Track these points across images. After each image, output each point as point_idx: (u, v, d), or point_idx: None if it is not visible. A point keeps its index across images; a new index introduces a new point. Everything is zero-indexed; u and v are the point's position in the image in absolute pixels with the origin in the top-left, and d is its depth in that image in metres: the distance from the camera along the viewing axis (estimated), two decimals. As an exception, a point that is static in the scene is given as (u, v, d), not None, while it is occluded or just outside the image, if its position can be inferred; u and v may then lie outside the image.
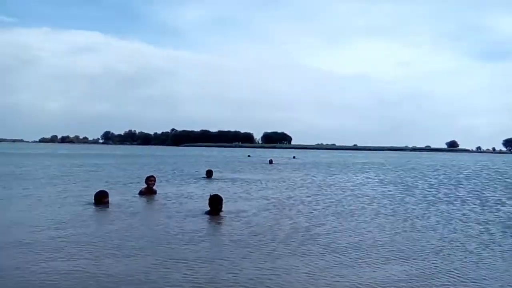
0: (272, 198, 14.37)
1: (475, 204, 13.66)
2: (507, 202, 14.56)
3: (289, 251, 7.17)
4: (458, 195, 16.31)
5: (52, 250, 6.91)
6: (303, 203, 13.18)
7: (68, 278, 5.60)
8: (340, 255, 6.95)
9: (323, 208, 12.23)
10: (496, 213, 11.89)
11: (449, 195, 16.26)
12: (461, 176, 28.45)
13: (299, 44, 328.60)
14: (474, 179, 25.73)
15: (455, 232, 9.06)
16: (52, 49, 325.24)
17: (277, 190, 16.86)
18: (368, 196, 15.34)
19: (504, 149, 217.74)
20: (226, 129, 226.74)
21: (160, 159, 49.07)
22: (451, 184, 21.64)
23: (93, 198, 11.83)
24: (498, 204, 13.99)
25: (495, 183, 22.98)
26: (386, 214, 11.39)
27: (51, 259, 6.42)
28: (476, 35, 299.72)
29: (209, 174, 22.41)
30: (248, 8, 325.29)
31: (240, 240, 7.95)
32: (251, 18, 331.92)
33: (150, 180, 14.33)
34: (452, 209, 12.54)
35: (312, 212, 11.46)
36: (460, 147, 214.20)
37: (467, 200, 14.82)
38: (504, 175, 30.37)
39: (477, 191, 18.15)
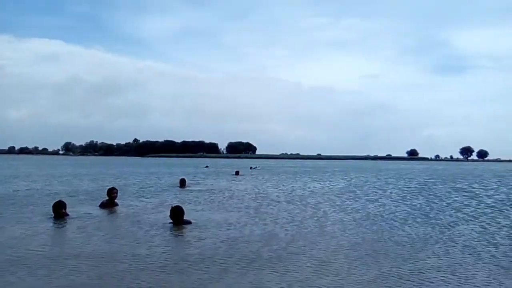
0: (236, 208, 14.43)
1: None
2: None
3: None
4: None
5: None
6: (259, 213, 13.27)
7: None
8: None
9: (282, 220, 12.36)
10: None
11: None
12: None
13: (267, 57, 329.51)
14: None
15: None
16: (15, 57, 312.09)
17: (242, 200, 16.92)
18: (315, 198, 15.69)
19: (461, 157, 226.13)
20: (190, 140, 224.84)
21: (126, 169, 48.08)
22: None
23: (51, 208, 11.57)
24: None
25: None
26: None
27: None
28: (436, 50, 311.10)
29: (182, 183, 23.05)
30: (215, 20, 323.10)
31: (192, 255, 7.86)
32: (218, 30, 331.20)
33: (112, 192, 14.06)
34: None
35: (268, 224, 11.54)
36: (420, 155, 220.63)
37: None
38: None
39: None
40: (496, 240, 9.48)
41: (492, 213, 14.08)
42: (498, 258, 7.78)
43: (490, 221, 12.29)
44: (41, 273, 6.38)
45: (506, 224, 11.76)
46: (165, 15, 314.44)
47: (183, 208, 10.86)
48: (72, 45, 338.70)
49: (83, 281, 6.05)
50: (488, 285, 6.13)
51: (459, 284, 6.14)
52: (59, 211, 11.38)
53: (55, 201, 11.92)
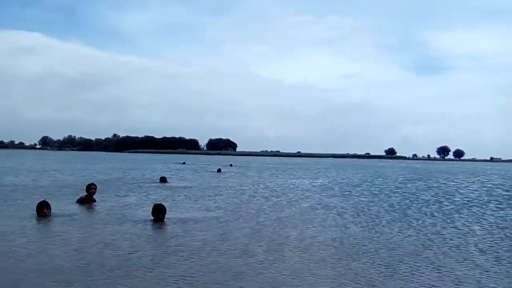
0: (219, 204, 14.64)
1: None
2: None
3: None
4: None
5: None
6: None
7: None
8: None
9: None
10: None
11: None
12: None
13: (249, 53, 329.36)
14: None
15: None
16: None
17: (223, 197, 17.05)
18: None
19: (437, 156, 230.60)
20: (170, 136, 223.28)
21: (107, 164, 47.61)
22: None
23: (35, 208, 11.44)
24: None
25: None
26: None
27: None
28: (415, 49, 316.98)
29: (163, 179, 24.07)
30: (197, 15, 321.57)
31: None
32: (200, 25, 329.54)
33: (90, 188, 14.01)
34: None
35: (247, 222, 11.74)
36: (398, 154, 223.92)
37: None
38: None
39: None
40: (466, 233, 9.87)
41: (462, 209, 14.62)
42: (469, 251, 8.12)
43: (461, 217, 12.79)
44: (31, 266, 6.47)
45: (475, 220, 12.24)
46: (146, 9, 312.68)
47: (165, 205, 10.96)
48: (50, 38, 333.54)
49: (72, 277, 6.12)
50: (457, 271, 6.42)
51: (428, 268, 6.43)
52: (42, 211, 11.26)
53: (39, 201, 11.76)
